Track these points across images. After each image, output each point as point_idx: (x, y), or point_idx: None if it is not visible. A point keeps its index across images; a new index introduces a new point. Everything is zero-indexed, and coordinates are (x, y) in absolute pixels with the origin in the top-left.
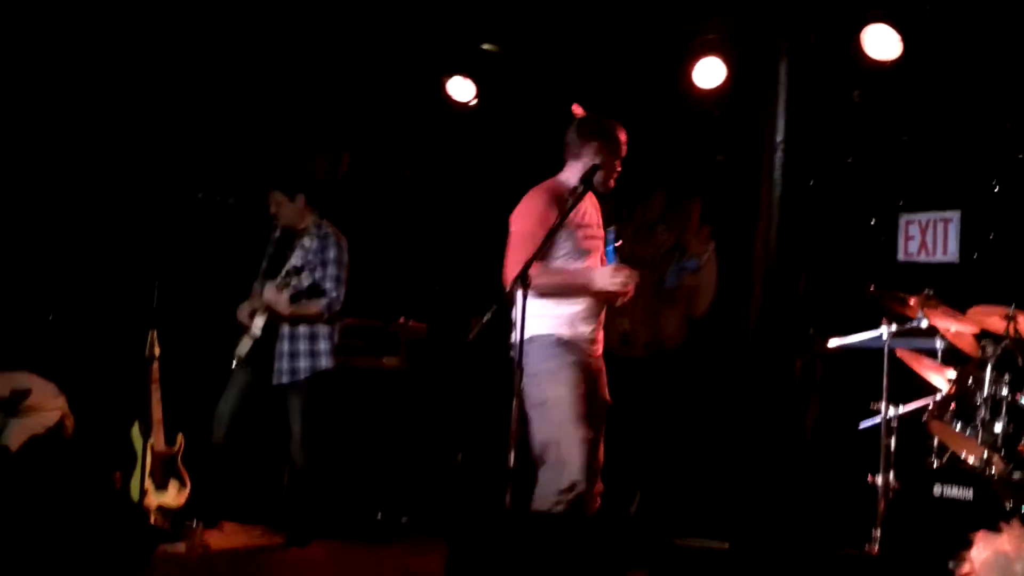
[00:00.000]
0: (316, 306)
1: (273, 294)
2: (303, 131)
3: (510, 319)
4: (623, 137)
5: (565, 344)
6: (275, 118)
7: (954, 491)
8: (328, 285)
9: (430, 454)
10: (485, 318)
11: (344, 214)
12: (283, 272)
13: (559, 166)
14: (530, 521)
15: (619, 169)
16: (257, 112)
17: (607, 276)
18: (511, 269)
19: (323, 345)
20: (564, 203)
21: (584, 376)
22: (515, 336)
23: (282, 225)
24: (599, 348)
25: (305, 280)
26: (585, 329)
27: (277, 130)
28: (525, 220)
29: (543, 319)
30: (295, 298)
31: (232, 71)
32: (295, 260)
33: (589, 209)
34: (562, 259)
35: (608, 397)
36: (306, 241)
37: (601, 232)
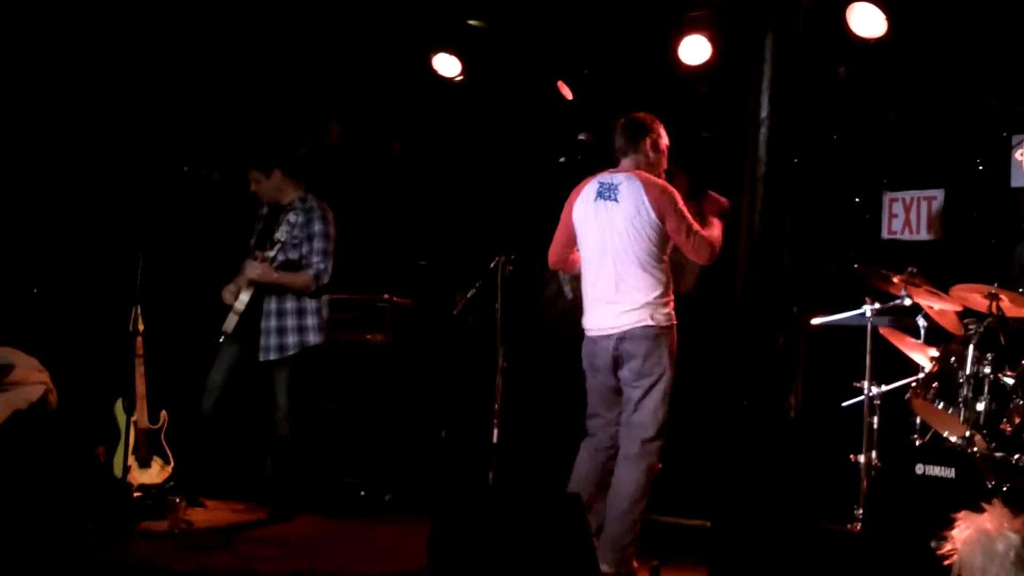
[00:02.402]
0: (303, 276)
1: (256, 269)
2: (288, 105)
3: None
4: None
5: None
6: (262, 92)
7: (936, 469)
8: (315, 259)
9: (415, 430)
10: (470, 293)
11: (330, 189)
12: (265, 246)
13: (545, 141)
14: (513, 496)
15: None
16: (243, 86)
17: None
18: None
19: (311, 320)
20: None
21: None
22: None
23: (265, 201)
24: None
25: (291, 254)
26: None
27: (264, 104)
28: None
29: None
30: (284, 266)
31: (218, 44)
32: (279, 235)
33: None
34: None
35: None
36: (291, 216)
37: None
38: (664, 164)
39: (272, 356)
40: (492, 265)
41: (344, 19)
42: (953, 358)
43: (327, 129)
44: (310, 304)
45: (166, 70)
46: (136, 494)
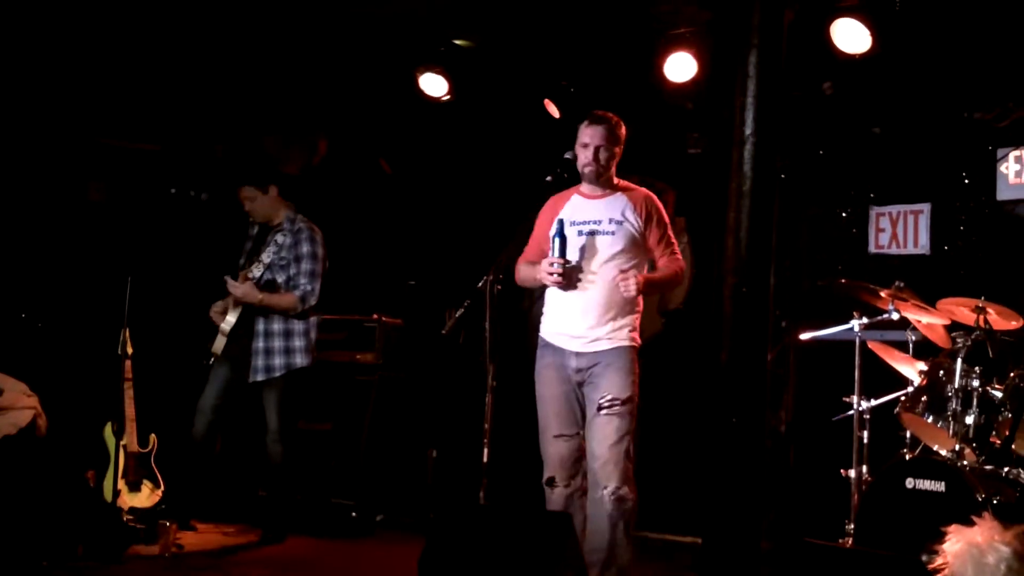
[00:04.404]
0: (289, 297)
1: (240, 289)
2: (276, 125)
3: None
4: (583, 128)
5: (545, 345)
6: (249, 113)
7: (927, 483)
8: (302, 280)
9: (405, 450)
10: (459, 312)
11: (319, 208)
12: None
13: (532, 160)
14: (504, 516)
15: (586, 157)
16: (232, 107)
17: (542, 267)
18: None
19: (298, 342)
20: (559, 203)
21: (558, 375)
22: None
23: (257, 220)
24: (593, 343)
25: (278, 275)
26: (564, 325)
27: (251, 125)
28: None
29: (543, 320)
30: (267, 286)
31: (205, 65)
32: (265, 256)
33: (587, 206)
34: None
35: (616, 390)
36: (279, 237)
37: (611, 226)
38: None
39: (259, 377)
40: (480, 284)
41: (331, 39)
42: (942, 371)
43: (315, 148)
44: (298, 326)
45: (153, 93)
46: (126, 518)
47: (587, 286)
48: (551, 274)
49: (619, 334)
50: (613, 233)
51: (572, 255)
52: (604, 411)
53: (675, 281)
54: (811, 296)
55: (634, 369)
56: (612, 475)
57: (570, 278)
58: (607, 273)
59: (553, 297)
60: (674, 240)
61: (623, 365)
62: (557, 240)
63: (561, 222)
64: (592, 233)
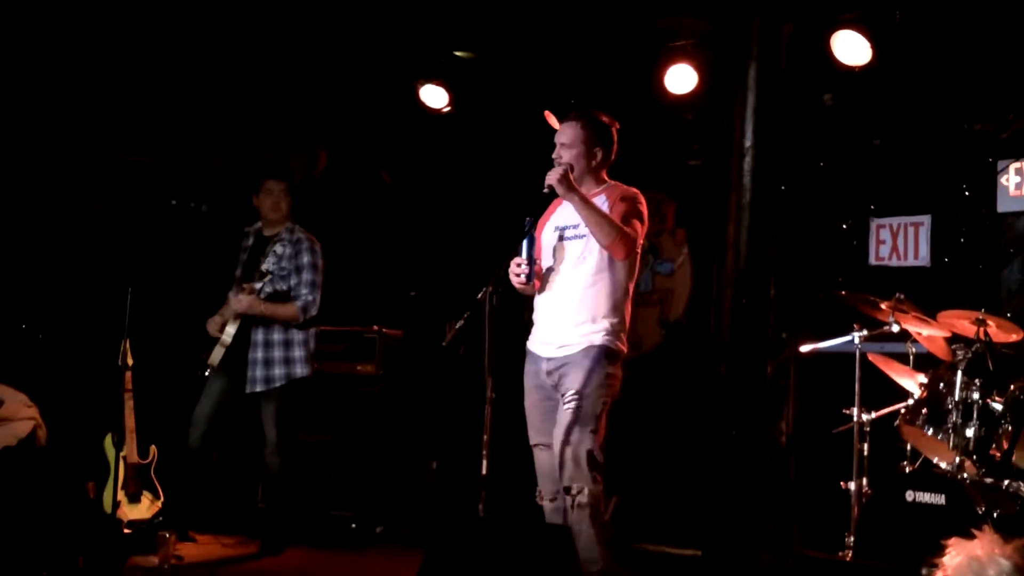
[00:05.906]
0: (291, 308)
1: (244, 302)
2: (276, 136)
3: None
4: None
5: (527, 353)
6: (250, 124)
7: (927, 496)
8: (304, 291)
9: (405, 461)
10: (459, 324)
11: (319, 219)
12: (251, 277)
13: (532, 171)
14: (503, 528)
15: (555, 159)
16: (232, 119)
17: (511, 269)
18: None
19: (298, 352)
20: (552, 209)
21: (534, 382)
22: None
23: (264, 216)
24: (563, 347)
25: (279, 285)
26: (539, 330)
27: (251, 136)
28: None
29: None
30: (271, 297)
31: (206, 77)
32: (267, 266)
33: (568, 209)
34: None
35: (575, 384)
36: (278, 248)
37: (582, 229)
38: None
39: (259, 388)
40: (480, 296)
41: (331, 51)
42: (942, 384)
43: (316, 160)
44: (297, 336)
45: (155, 105)
46: (126, 529)
47: (559, 290)
48: (517, 275)
49: (591, 337)
50: (583, 236)
51: (548, 260)
52: (564, 406)
53: (610, 227)
54: (811, 308)
55: (603, 368)
56: (568, 476)
57: (537, 281)
58: (578, 276)
59: (535, 305)
60: (638, 226)
61: (587, 363)
62: (525, 241)
63: (533, 224)
64: (566, 237)
